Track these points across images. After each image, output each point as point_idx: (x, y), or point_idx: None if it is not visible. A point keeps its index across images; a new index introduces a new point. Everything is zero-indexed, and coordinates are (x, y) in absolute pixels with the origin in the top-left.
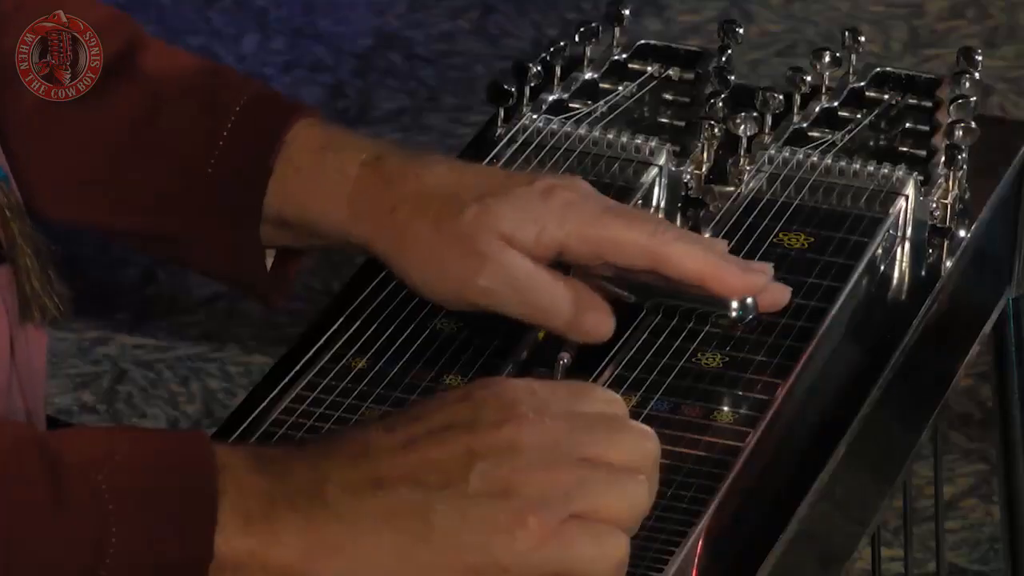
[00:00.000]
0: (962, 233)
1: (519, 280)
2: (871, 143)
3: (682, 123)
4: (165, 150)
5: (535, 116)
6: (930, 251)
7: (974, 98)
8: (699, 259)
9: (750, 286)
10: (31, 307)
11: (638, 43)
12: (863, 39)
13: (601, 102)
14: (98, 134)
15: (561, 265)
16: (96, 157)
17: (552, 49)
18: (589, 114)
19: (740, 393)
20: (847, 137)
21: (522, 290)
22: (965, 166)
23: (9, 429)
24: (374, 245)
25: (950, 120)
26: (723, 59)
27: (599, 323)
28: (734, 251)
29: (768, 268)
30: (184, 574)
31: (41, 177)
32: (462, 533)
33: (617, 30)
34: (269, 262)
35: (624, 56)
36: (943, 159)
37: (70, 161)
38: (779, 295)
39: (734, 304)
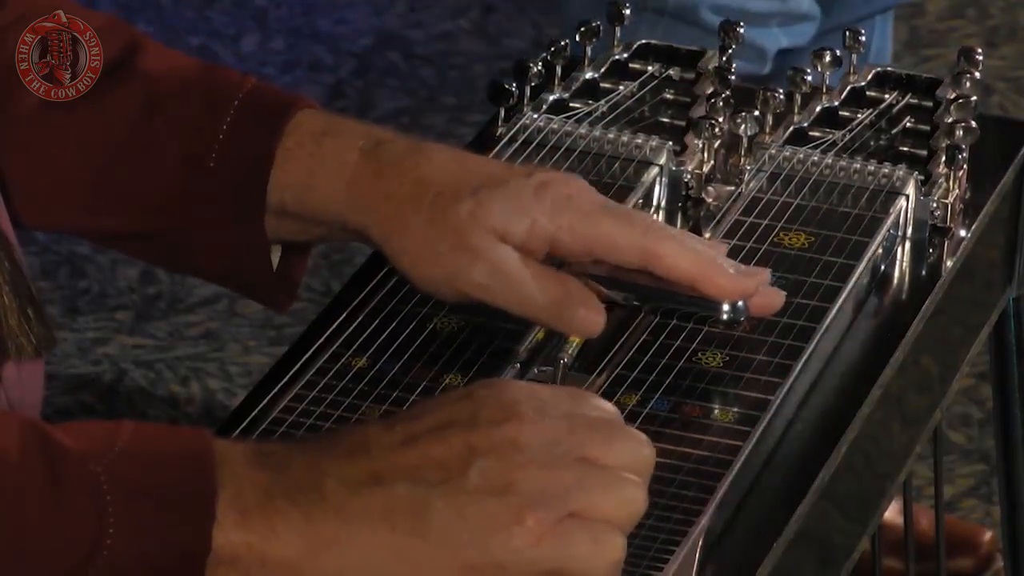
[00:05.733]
0: (962, 233)
1: (509, 275)
2: (872, 143)
3: (682, 122)
4: (166, 146)
5: (536, 116)
6: (930, 251)
7: (974, 98)
8: (691, 259)
9: (741, 289)
10: (8, 345)
11: (638, 43)
12: (863, 39)
13: (602, 102)
14: (97, 136)
15: (556, 263)
16: (96, 159)
17: (552, 49)
18: (589, 114)
19: (740, 393)
20: (848, 136)
21: (512, 285)
22: (965, 166)
23: (13, 419)
24: (369, 232)
25: (950, 120)
26: (723, 59)
27: (589, 319)
28: (734, 251)
29: (765, 272)
30: (181, 567)
31: (40, 185)
32: (460, 530)
33: (617, 29)
34: (275, 263)
35: (624, 56)
36: (943, 159)
37: (70, 166)
38: (773, 299)
39: (724, 306)
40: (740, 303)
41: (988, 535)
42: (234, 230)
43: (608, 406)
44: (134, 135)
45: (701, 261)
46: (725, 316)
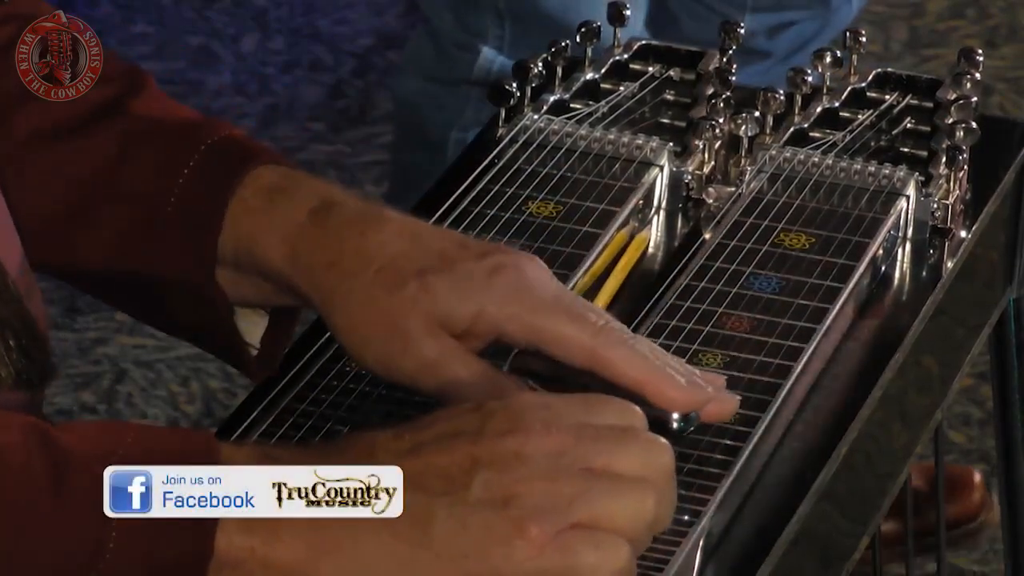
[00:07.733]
0: (963, 233)
1: (441, 372)
2: (872, 143)
3: (683, 123)
4: (130, 188)
5: (536, 116)
6: (931, 251)
7: (975, 98)
8: (640, 366)
9: (692, 400)
10: None
11: (639, 43)
12: (863, 39)
13: (602, 102)
14: (74, 173)
15: (502, 352)
16: (70, 196)
17: (553, 49)
18: (590, 114)
19: (740, 394)
20: (848, 137)
21: (442, 383)
22: (966, 167)
23: (16, 420)
24: (309, 296)
25: (951, 121)
26: (723, 59)
27: None
28: (734, 251)
29: (720, 380)
30: (184, 571)
31: (17, 217)
32: (462, 540)
33: (618, 30)
34: (260, 332)
35: (625, 56)
36: (944, 159)
37: (46, 200)
38: (726, 406)
39: (675, 416)
40: (692, 413)
41: (978, 478)
42: (186, 277)
43: (627, 409)
44: (106, 175)
45: (651, 369)
46: (675, 426)
